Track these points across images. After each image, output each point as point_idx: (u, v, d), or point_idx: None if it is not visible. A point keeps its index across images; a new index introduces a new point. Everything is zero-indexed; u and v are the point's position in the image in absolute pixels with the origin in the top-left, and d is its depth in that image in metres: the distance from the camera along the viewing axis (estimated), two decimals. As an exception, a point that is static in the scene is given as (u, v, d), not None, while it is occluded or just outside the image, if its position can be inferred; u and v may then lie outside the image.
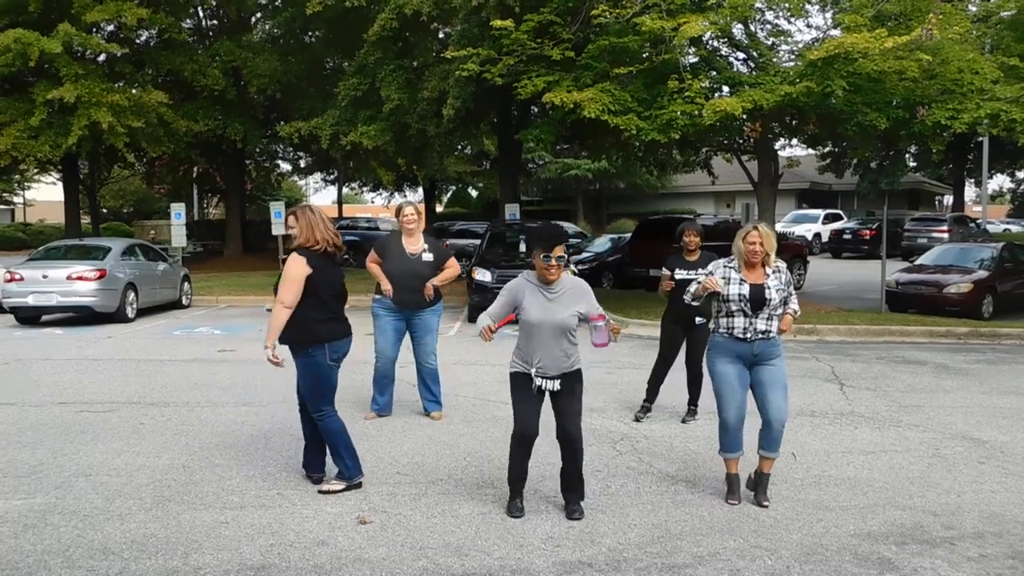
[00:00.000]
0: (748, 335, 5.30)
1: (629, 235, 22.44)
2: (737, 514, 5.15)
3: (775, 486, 5.65)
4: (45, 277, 14.35)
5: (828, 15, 16.76)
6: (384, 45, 18.43)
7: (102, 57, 23.80)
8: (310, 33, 25.47)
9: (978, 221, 34.37)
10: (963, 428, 7.37)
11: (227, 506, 5.21)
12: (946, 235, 27.81)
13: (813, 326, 13.30)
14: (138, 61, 24.49)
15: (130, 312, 15.05)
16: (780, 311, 5.38)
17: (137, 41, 25.30)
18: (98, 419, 7.47)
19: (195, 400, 8.30)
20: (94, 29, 22.92)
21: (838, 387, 9.15)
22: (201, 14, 27.97)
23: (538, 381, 5.02)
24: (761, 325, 5.30)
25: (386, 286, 7.29)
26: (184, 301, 17.61)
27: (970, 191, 48.32)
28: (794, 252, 20.76)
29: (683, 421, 7.52)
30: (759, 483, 5.44)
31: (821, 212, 36.73)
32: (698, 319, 7.46)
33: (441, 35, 20.66)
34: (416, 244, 7.40)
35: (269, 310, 5.21)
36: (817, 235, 33.98)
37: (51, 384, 9.11)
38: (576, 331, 5.11)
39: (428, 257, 7.36)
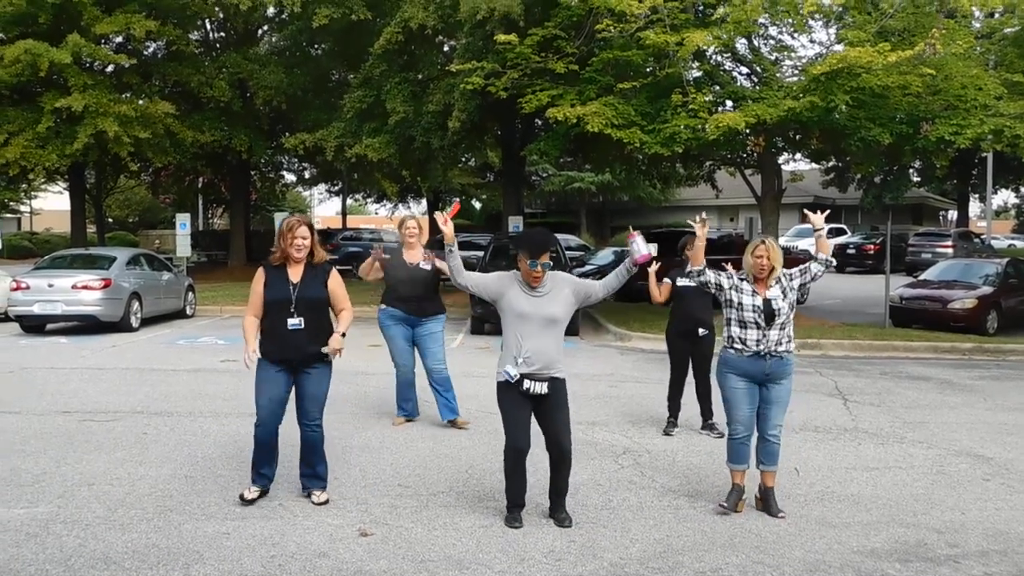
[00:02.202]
0: (761, 348, 5.33)
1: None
2: (739, 530, 5.14)
3: (778, 501, 5.64)
4: (51, 286, 14.38)
5: (831, 31, 16.81)
6: (389, 58, 18.52)
7: (110, 68, 23.93)
8: (316, 46, 25.60)
9: (982, 236, 34.34)
10: (967, 445, 7.35)
11: (229, 517, 5.21)
12: (950, 250, 27.76)
13: (817, 340, 13.29)
14: (145, 72, 24.62)
15: (134, 321, 15.07)
16: (791, 325, 5.42)
17: (145, 53, 25.43)
18: (102, 428, 7.47)
19: (198, 410, 8.30)
20: (103, 40, 23.05)
21: (842, 402, 9.14)
22: (208, 27, 28.10)
23: (526, 384, 4.99)
24: (774, 336, 5.34)
25: (378, 254, 7.60)
26: (188, 311, 17.64)
27: (974, 206, 48.38)
28: (797, 266, 20.74)
29: (706, 432, 7.55)
30: (767, 498, 5.46)
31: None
32: (701, 330, 7.47)
33: (446, 48, 20.76)
34: (416, 256, 7.62)
35: None
36: (820, 249, 33.90)
37: (55, 393, 9.12)
38: (563, 332, 5.15)
39: (426, 266, 7.59)
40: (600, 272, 22.05)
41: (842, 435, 7.64)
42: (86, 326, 14.66)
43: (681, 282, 7.41)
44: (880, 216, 41.59)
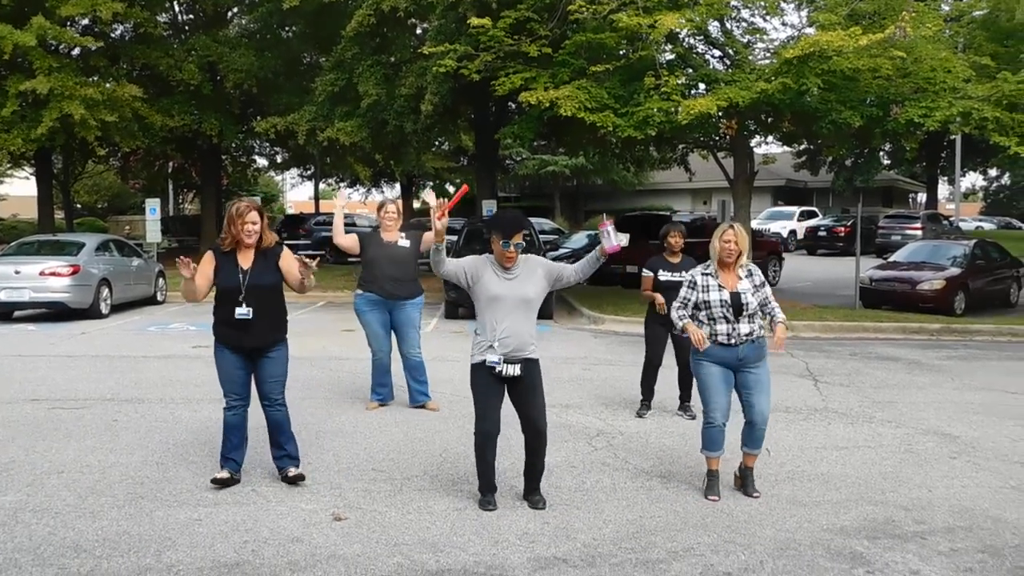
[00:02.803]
0: (733, 340, 5.36)
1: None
2: (711, 510, 5.19)
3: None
4: (18, 273, 14.18)
5: (803, 13, 16.89)
6: (361, 41, 18.35)
7: (76, 51, 23.52)
8: (287, 28, 25.29)
9: (951, 219, 34.73)
10: (935, 424, 7.46)
11: (201, 503, 5.18)
12: (919, 232, 28.05)
13: (788, 322, 13.40)
14: (113, 55, 24.20)
15: (104, 308, 14.91)
16: (759, 311, 5.44)
17: (112, 35, 24.97)
18: (71, 416, 7.40)
19: (170, 397, 8.24)
20: (69, 23, 22.63)
21: (812, 383, 9.23)
22: (177, 8, 27.64)
23: (499, 367, 5.00)
24: (744, 328, 5.37)
25: (339, 223, 7.61)
26: (159, 297, 17.49)
27: (943, 189, 48.83)
28: (769, 249, 20.90)
29: (680, 413, 7.60)
30: (745, 477, 5.52)
31: (796, 209, 36.98)
32: None
33: (419, 31, 20.61)
34: (392, 236, 7.60)
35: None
36: (792, 232, 34.22)
37: (23, 381, 9.01)
38: (536, 314, 5.17)
39: (404, 243, 7.55)
40: (574, 256, 22.10)
41: (812, 415, 7.72)
42: (55, 313, 14.49)
43: (663, 275, 7.45)
44: (851, 199, 41.82)
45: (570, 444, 6.57)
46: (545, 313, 15.01)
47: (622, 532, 4.80)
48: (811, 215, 36.43)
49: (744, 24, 16.48)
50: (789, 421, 7.47)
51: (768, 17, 16.22)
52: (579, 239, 24.39)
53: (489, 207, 21.65)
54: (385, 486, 5.54)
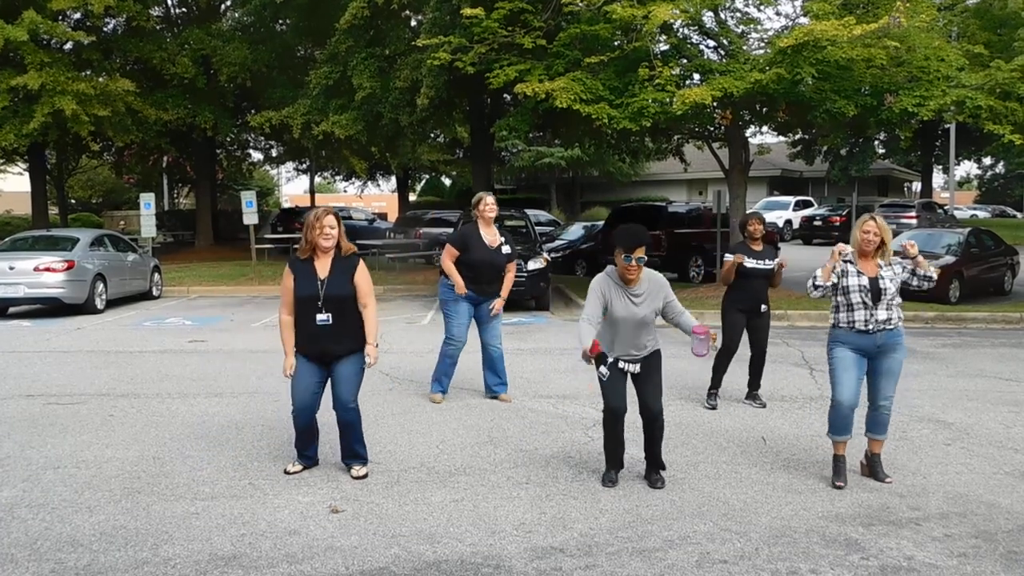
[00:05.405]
0: (870, 327, 5.42)
1: (602, 223, 22.50)
2: (707, 498, 5.21)
3: (745, 470, 5.73)
4: (12, 268, 14.14)
5: (797, 3, 16.89)
6: (355, 33, 18.28)
7: (68, 45, 23.42)
8: (280, 21, 25.22)
9: (946, 207, 34.78)
10: (929, 411, 7.48)
11: (198, 497, 5.19)
12: (914, 221, 28.09)
13: (784, 311, 13.42)
14: (105, 49, 24.11)
15: (99, 303, 14.89)
16: (898, 300, 5.49)
17: (104, 29, 24.89)
18: (67, 411, 7.40)
19: (166, 391, 8.24)
20: (60, 17, 22.54)
21: (808, 372, 9.25)
22: (169, 2, 27.58)
23: (620, 364, 5.29)
24: (882, 315, 5.42)
25: (460, 290, 7.55)
26: (154, 292, 17.47)
27: (938, 178, 48.98)
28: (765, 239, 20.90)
29: (749, 402, 7.63)
30: (873, 463, 5.60)
31: (792, 199, 36.97)
32: (763, 307, 7.61)
33: (413, 23, 20.54)
34: (494, 235, 7.70)
35: None
36: (788, 222, 34.23)
37: (18, 376, 9.01)
38: (651, 325, 5.35)
39: (507, 249, 7.71)
40: (570, 247, 22.11)
41: (808, 404, 7.74)
42: (50, 309, 14.48)
43: (749, 263, 7.49)
44: (846, 188, 41.72)
45: (567, 435, 6.58)
46: (542, 305, 15.03)
47: (618, 521, 4.82)
48: (806, 204, 36.43)
49: (738, 14, 16.45)
50: (785, 409, 7.50)
51: (762, 7, 16.19)
52: (575, 231, 24.37)
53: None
54: (382, 478, 5.55)
